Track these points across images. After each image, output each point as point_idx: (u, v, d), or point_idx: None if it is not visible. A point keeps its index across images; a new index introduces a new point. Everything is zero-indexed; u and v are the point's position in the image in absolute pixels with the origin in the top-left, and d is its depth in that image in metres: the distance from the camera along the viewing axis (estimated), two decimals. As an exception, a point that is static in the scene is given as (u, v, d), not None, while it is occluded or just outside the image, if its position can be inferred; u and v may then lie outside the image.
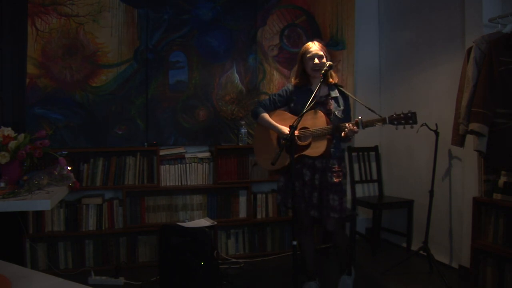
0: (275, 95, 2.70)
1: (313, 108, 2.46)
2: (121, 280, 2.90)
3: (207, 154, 3.54)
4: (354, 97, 2.67)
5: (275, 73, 3.75)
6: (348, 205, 3.67)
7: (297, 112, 2.45)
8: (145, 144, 3.41)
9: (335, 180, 2.46)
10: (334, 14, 3.90)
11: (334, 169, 2.48)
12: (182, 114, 3.52)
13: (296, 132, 2.50)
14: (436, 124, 3.03)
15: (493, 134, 2.58)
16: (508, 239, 2.59)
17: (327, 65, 2.45)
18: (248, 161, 3.56)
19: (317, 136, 2.46)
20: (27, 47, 3.16)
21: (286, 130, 2.49)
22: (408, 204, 3.61)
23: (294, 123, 2.22)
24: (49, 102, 3.22)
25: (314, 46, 2.56)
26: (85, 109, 3.31)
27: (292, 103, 2.62)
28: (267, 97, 3.62)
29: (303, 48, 2.61)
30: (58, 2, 3.22)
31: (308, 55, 2.55)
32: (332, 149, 2.50)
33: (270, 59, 3.74)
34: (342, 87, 2.63)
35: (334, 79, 2.60)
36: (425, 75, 3.53)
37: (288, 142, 2.22)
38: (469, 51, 2.76)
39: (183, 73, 3.52)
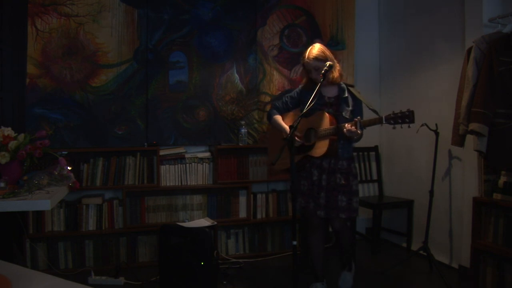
0: (287, 97, 2.75)
1: (322, 109, 2.53)
2: (121, 280, 2.90)
3: (207, 154, 3.54)
4: (359, 96, 2.65)
5: (275, 73, 3.75)
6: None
7: (306, 114, 2.47)
8: (145, 144, 3.41)
9: (343, 181, 2.49)
10: (334, 14, 3.90)
11: (342, 170, 2.51)
12: (182, 114, 3.52)
13: (301, 134, 2.55)
14: (436, 124, 3.02)
15: (493, 134, 2.58)
16: (508, 239, 2.58)
17: (327, 65, 2.46)
18: (248, 161, 3.56)
19: (321, 136, 2.48)
20: (27, 47, 3.16)
21: (288, 130, 2.51)
22: (408, 204, 3.61)
23: (294, 123, 2.23)
24: (49, 102, 3.22)
25: (310, 56, 2.51)
26: (85, 109, 3.31)
27: (301, 104, 2.65)
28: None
29: (303, 56, 2.57)
30: (58, 2, 3.22)
31: (306, 67, 2.55)
32: (340, 150, 2.51)
33: (270, 59, 3.74)
34: (352, 86, 2.64)
35: (337, 79, 2.56)
36: (425, 75, 3.53)
37: (287, 142, 2.23)
38: (469, 51, 2.76)
39: (183, 73, 3.52)
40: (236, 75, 3.65)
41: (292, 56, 3.79)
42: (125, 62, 3.38)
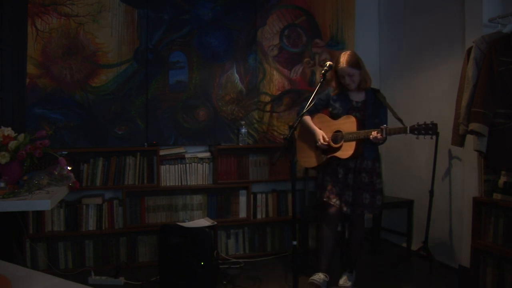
0: (317, 98, 2.81)
1: (349, 113, 2.64)
2: (121, 280, 2.90)
3: (207, 154, 3.54)
4: (385, 103, 2.69)
5: (275, 73, 3.75)
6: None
7: (335, 116, 2.70)
8: (145, 144, 3.41)
9: (367, 180, 2.62)
10: (334, 14, 3.90)
11: (367, 170, 2.63)
12: (182, 114, 3.52)
13: (329, 136, 2.68)
14: (436, 124, 3.02)
15: (493, 134, 2.58)
16: (508, 239, 2.58)
17: (327, 65, 2.49)
18: (248, 161, 3.56)
19: (348, 139, 2.59)
20: (27, 47, 3.16)
21: (319, 133, 2.68)
22: (408, 204, 3.60)
23: (294, 124, 2.27)
24: (49, 102, 3.22)
25: (343, 62, 2.60)
26: (85, 109, 3.31)
27: (331, 107, 2.76)
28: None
29: (335, 62, 2.64)
30: (58, 2, 3.22)
31: (340, 73, 2.64)
32: (365, 152, 2.61)
33: (270, 59, 3.74)
34: (378, 91, 2.72)
35: (367, 83, 2.65)
36: (425, 75, 3.53)
37: (287, 142, 2.28)
38: (469, 51, 2.75)
39: (183, 73, 3.52)
40: (236, 75, 3.65)
41: (292, 56, 3.79)
42: (125, 62, 3.38)
